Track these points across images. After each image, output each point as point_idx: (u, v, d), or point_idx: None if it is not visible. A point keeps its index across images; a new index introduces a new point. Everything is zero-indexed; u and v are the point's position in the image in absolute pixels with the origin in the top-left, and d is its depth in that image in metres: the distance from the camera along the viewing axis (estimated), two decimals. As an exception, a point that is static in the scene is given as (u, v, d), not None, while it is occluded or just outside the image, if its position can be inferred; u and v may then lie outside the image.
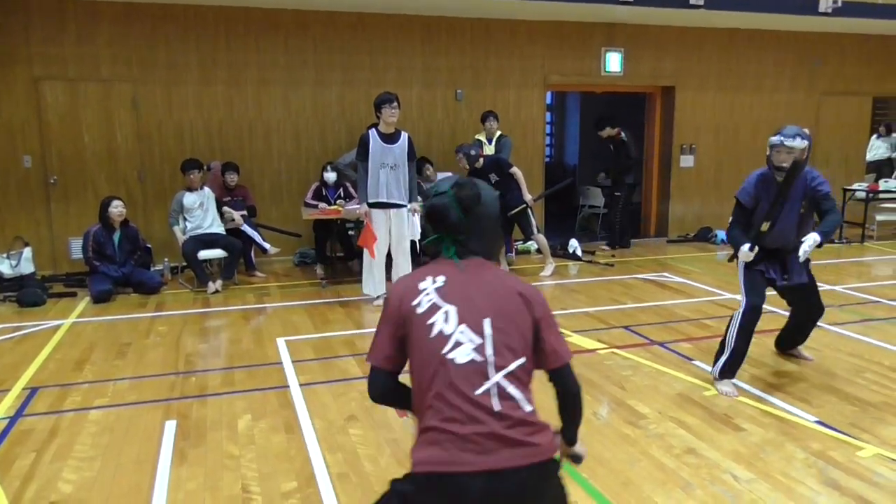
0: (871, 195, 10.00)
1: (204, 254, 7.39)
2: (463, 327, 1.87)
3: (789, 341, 5.02)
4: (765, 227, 4.20)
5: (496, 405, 1.80)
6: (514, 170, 7.72)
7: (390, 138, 6.44)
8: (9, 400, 4.39)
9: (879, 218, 10.38)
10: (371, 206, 6.48)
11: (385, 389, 2.02)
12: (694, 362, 4.94)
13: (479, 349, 1.85)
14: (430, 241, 2.06)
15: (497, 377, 1.83)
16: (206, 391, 4.54)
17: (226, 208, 7.75)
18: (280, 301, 6.96)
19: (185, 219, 7.44)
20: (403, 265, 6.70)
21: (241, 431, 3.92)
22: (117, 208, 7.10)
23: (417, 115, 9.04)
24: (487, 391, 1.81)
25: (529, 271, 8.09)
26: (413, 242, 6.93)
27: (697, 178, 10.55)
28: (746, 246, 4.26)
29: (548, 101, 10.35)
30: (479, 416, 1.78)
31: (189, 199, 7.43)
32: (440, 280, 1.95)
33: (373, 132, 6.46)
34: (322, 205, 8.00)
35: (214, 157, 8.29)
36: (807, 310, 4.72)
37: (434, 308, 1.91)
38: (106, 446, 3.75)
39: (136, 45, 7.99)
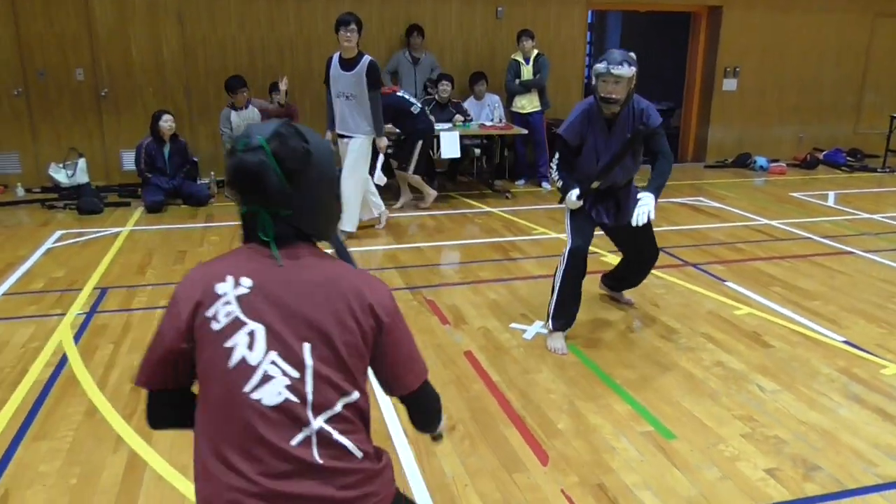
0: (918, 124, 9.80)
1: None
2: (273, 355, 1.38)
3: (617, 282, 4.67)
4: (595, 185, 3.86)
5: (317, 457, 1.37)
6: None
7: (348, 64, 5.83)
8: (83, 298, 4.72)
9: (924, 147, 10.20)
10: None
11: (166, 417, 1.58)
12: (726, 283, 5.09)
13: (295, 386, 1.38)
14: (244, 214, 1.48)
15: (318, 422, 1.39)
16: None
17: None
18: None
19: (231, 137, 7.63)
20: (351, 201, 5.96)
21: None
22: (167, 122, 7.30)
23: (456, 31, 8.98)
24: (306, 440, 1.38)
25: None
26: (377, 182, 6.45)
27: (740, 103, 10.35)
28: (575, 193, 3.87)
29: (588, 20, 10.15)
30: (295, 473, 1.36)
31: (235, 118, 7.60)
32: (245, 283, 1.41)
33: (335, 56, 5.95)
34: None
35: (256, 73, 8.34)
36: (637, 253, 4.33)
37: (236, 324, 1.39)
38: (174, 342, 4.05)
39: (181, -42, 8.01)
